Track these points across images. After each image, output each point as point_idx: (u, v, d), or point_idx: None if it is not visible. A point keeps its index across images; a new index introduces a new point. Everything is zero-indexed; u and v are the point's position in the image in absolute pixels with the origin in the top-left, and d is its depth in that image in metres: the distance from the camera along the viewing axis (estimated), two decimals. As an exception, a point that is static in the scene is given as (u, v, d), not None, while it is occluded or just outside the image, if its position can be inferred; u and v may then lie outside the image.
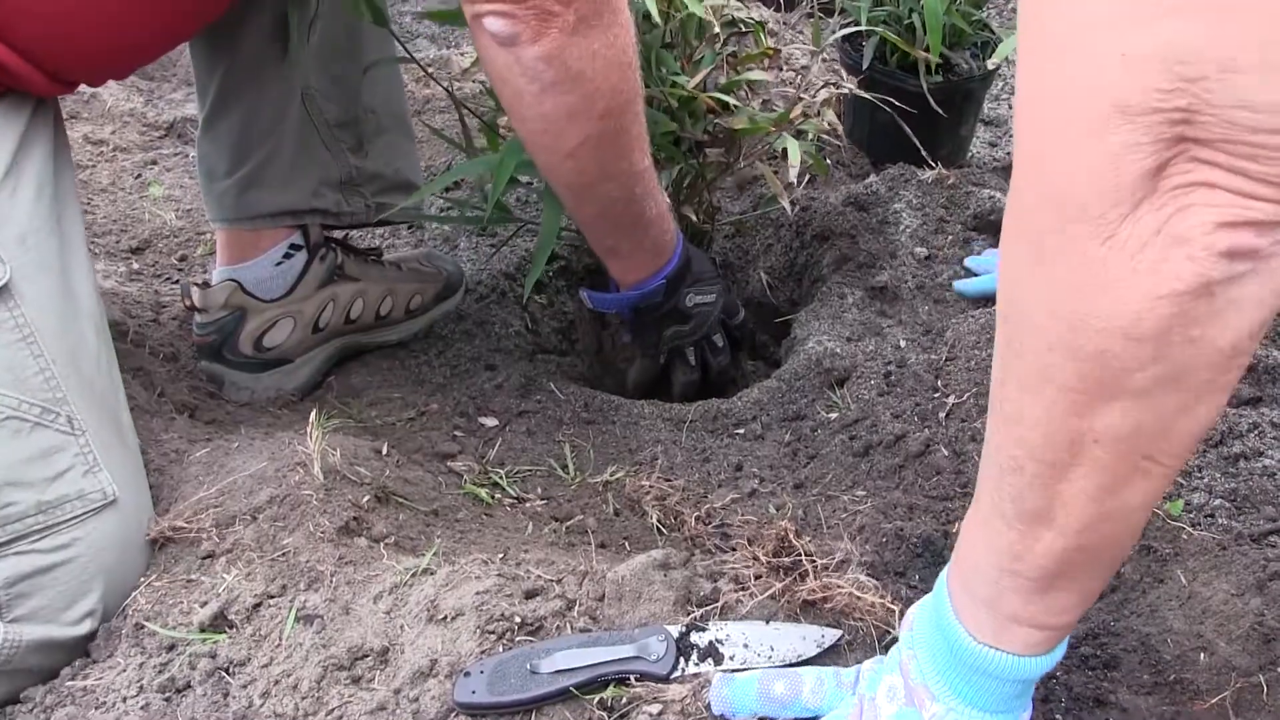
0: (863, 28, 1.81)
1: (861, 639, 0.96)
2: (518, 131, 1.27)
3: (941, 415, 1.46)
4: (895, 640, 0.89)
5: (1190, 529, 1.13)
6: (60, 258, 1.10)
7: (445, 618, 0.94)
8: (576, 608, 0.96)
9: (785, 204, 1.59)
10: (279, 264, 1.49)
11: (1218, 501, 1.17)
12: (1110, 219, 0.58)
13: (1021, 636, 0.76)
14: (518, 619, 0.94)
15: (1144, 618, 1.05)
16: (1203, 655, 0.98)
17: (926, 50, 1.73)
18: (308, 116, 1.46)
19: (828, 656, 0.94)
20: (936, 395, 1.50)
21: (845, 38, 1.93)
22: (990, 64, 1.82)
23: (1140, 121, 0.55)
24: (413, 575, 1.00)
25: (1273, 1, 0.50)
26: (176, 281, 1.80)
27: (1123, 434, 0.64)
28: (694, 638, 0.93)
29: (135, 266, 1.82)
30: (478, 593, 0.96)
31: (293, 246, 1.50)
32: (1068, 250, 0.60)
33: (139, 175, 2.12)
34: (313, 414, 1.16)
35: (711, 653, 0.91)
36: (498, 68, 1.16)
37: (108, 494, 1.06)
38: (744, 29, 1.68)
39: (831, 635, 0.95)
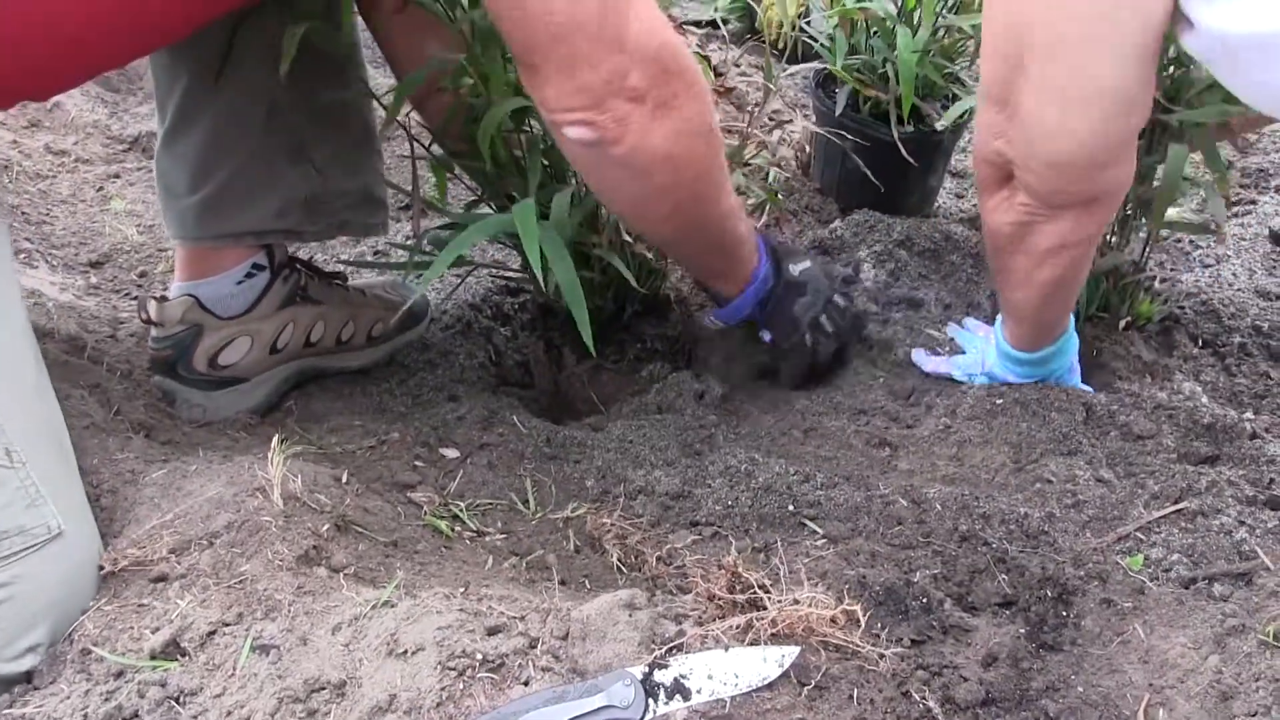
0: (835, 69, 1.83)
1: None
2: (606, 206, 1.34)
3: (900, 465, 1.47)
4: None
5: (1149, 583, 1.14)
6: None
7: (405, 652, 0.92)
8: (539, 646, 0.94)
9: None
10: (240, 283, 1.47)
11: (1175, 557, 1.18)
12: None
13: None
14: (479, 656, 0.92)
15: (1103, 672, 1.05)
16: (1162, 711, 0.98)
17: (899, 100, 1.76)
18: (272, 132, 1.42)
19: (792, 674, 0.93)
20: (894, 445, 1.51)
21: (818, 84, 1.96)
22: (940, 124, 1.83)
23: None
24: (373, 607, 0.97)
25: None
26: (135, 298, 1.77)
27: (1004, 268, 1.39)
28: (658, 676, 0.91)
29: (94, 280, 1.79)
30: (439, 628, 0.94)
31: (255, 266, 1.48)
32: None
33: (100, 188, 2.09)
34: (274, 439, 1.14)
35: (679, 689, 0.90)
36: (584, 163, 1.23)
37: (52, 528, 1.01)
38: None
39: (790, 653, 0.94)
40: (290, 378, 1.56)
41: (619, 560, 1.28)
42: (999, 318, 1.53)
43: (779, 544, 1.26)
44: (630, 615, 0.96)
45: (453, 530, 1.29)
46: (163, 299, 1.44)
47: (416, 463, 1.43)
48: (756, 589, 1.00)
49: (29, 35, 1.06)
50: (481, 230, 1.40)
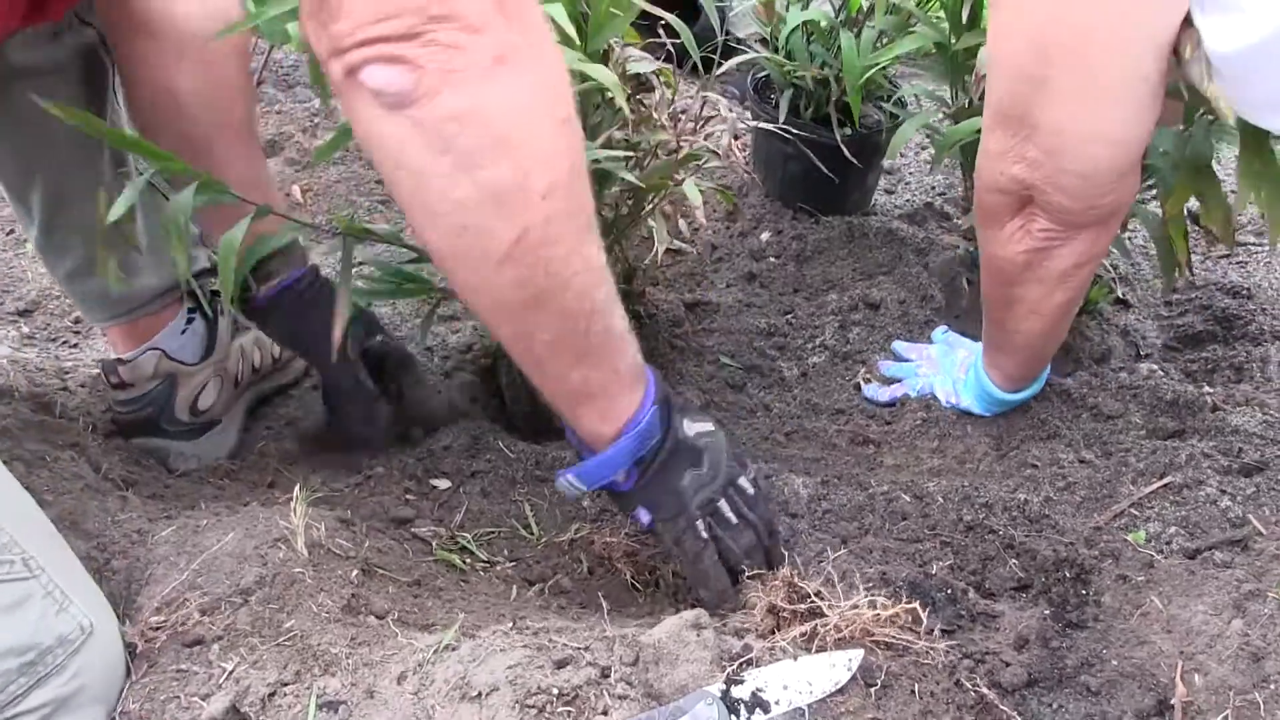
0: (781, 76, 1.86)
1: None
2: (425, 241, 0.91)
3: (886, 460, 1.51)
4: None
5: (1158, 556, 1.20)
6: None
7: (479, 694, 0.91)
8: (612, 674, 0.94)
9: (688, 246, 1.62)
10: (184, 331, 1.43)
11: (1173, 529, 1.25)
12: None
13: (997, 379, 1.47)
14: (554, 690, 0.91)
15: (1132, 644, 1.10)
16: (1197, 676, 1.03)
17: (841, 105, 1.80)
18: (150, 194, 1.24)
19: (858, 676, 0.96)
20: (877, 441, 1.55)
21: (756, 89, 1.99)
22: (886, 162, 1.84)
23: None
24: (434, 652, 0.95)
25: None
26: (75, 345, 1.69)
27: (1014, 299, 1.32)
28: (736, 692, 0.92)
29: (26, 330, 1.70)
30: (508, 666, 0.92)
31: (190, 311, 1.44)
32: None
33: (10, 231, 1.98)
34: (296, 489, 1.10)
35: (758, 703, 0.91)
36: (387, 143, 0.83)
37: (85, 627, 0.93)
38: (651, 84, 1.70)
39: (856, 656, 0.97)
40: (247, 409, 1.53)
41: (632, 578, 1.28)
42: (977, 362, 1.50)
43: (788, 546, 1.28)
44: (698, 635, 0.96)
45: (465, 563, 1.27)
46: (121, 360, 1.37)
47: (408, 496, 1.40)
48: (813, 597, 1.01)
49: None
50: None
